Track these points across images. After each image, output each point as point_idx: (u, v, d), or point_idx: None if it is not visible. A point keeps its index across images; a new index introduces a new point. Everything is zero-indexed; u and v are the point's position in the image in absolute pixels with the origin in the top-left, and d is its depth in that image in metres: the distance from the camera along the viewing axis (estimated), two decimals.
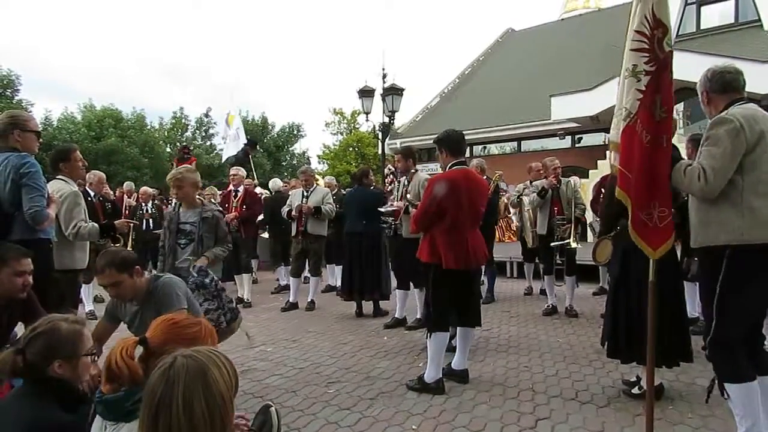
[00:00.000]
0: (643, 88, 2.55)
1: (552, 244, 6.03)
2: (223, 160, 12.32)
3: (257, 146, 13.93)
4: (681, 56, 11.89)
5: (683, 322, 3.41)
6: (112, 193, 9.87)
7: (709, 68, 2.69)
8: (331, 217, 6.90)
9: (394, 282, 6.09)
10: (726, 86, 2.62)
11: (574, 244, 5.82)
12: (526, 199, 6.93)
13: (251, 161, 11.25)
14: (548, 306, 6.17)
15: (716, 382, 2.55)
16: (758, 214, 2.36)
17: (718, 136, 2.43)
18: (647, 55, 2.54)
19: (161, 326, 1.82)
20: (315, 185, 7.02)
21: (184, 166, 4.79)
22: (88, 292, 6.39)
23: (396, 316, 5.76)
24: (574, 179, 6.20)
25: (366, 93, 13.12)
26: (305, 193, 6.80)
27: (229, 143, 11.15)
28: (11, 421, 1.80)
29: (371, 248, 6.15)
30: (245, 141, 11.20)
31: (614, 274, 3.55)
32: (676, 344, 3.31)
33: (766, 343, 2.78)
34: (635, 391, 3.42)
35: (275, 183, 8.88)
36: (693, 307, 5.18)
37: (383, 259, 6.23)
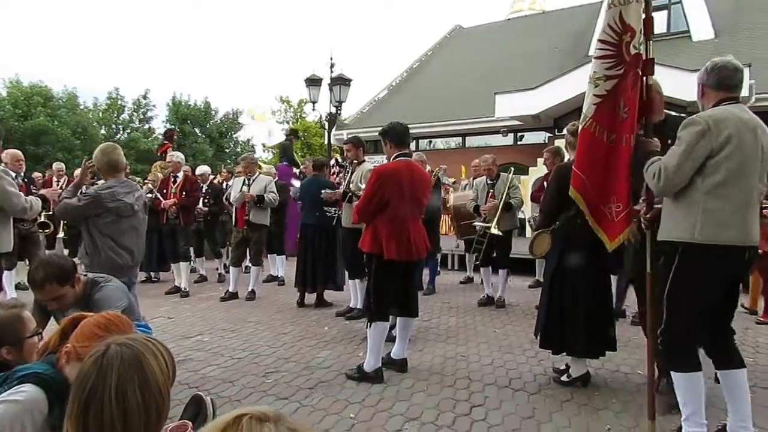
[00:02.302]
0: (604, 93, 2.72)
1: (474, 223, 6.22)
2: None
3: (298, 135, 14.37)
4: None
5: (609, 313, 3.60)
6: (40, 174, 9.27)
7: (711, 60, 2.65)
8: (273, 206, 6.80)
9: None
10: (720, 83, 2.60)
11: (494, 230, 5.92)
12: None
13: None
14: (483, 296, 6.36)
15: (662, 369, 2.67)
16: (712, 215, 2.42)
17: (683, 137, 2.48)
18: (612, 60, 2.70)
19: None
20: (257, 173, 6.88)
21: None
22: (10, 278, 6.01)
23: (350, 305, 5.78)
24: (511, 177, 6.36)
25: (313, 82, 12.95)
26: (247, 182, 6.66)
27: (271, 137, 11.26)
28: None
29: (325, 239, 6.11)
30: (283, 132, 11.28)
31: (551, 269, 3.67)
32: (602, 335, 3.50)
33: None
34: (564, 378, 3.59)
35: (203, 169, 8.45)
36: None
37: (337, 251, 6.19)
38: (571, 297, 3.49)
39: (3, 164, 5.87)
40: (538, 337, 3.71)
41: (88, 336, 1.73)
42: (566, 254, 3.49)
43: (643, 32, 2.69)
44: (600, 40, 2.74)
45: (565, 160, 3.81)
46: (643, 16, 2.68)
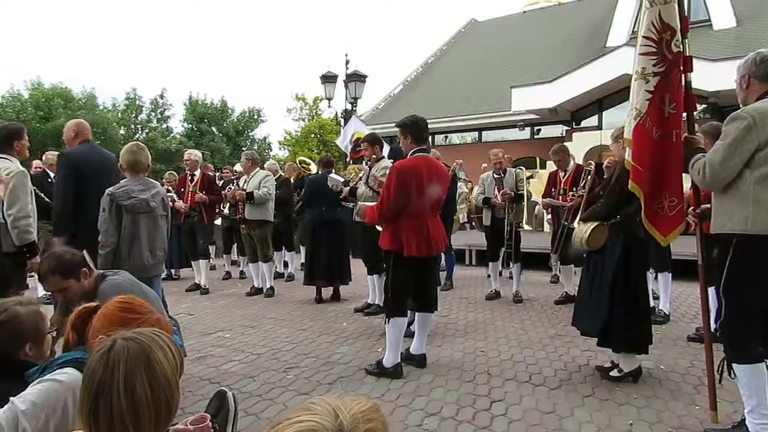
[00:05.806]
0: (653, 89, 2.79)
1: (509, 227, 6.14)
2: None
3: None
4: (633, 53, 12.28)
5: (648, 308, 3.58)
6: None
7: (758, 51, 2.58)
8: (264, 201, 6.59)
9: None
10: None
11: (526, 226, 5.94)
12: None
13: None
14: (492, 291, 6.39)
15: (725, 362, 2.62)
16: (764, 206, 2.38)
17: (728, 132, 2.46)
18: (655, 57, 2.78)
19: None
20: (256, 170, 6.82)
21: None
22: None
23: (368, 301, 5.81)
24: (517, 171, 6.32)
25: (328, 79, 12.99)
26: (247, 179, 6.74)
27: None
28: None
29: (344, 235, 6.20)
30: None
31: (616, 263, 3.47)
32: (646, 331, 3.49)
33: None
34: (615, 374, 3.51)
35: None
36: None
37: (346, 245, 6.31)
38: (635, 293, 3.43)
39: (48, 165, 6.12)
40: (597, 335, 3.53)
41: (116, 321, 1.72)
42: (631, 250, 3.41)
43: (680, 30, 2.77)
44: (644, 37, 2.80)
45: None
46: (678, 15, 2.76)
